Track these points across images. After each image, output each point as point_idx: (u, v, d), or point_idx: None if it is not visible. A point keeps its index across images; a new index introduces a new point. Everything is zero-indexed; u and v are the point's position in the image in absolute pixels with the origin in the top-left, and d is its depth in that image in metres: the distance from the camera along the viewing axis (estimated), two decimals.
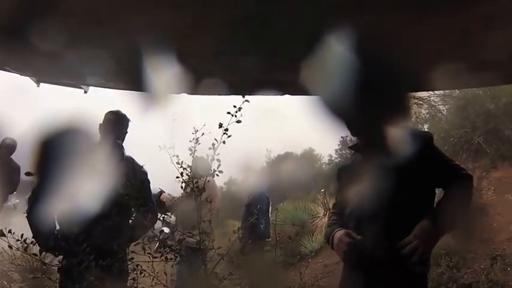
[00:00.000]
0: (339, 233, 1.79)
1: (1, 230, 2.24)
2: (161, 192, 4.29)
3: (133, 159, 2.67)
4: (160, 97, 2.26)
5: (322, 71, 1.71)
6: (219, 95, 2.69)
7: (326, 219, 1.96)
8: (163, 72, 2.03)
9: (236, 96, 2.69)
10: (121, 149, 2.59)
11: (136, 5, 1.65)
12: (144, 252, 2.52)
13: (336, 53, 1.66)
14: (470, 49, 2.03)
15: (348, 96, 1.64)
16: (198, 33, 1.91)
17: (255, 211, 4.30)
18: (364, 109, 1.65)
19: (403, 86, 1.84)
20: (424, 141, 1.78)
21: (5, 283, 4.93)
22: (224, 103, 2.69)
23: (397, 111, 1.74)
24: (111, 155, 2.39)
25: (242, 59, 2.01)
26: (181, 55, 1.96)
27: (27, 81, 2.77)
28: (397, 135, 1.73)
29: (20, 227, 2.33)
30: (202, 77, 2.35)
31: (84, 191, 2.19)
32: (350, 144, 2.06)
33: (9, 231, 2.25)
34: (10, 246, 2.36)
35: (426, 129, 7.81)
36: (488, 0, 1.59)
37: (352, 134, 1.98)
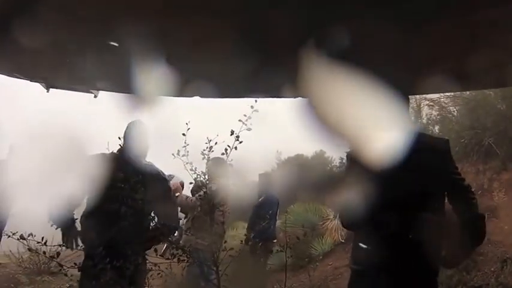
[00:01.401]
0: None
1: (21, 234, 2.33)
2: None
3: (152, 165, 2.75)
4: (151, 100, 2.33)
5: (316, 75, 1.76)
6: (216, 97, 2.74)
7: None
8: (158, 75, 2.09)
9: (236, 98, 2.76)
10: (137, 157, 2.66)
11: (127, 9, 1.69)
12: (156, 255, 2.59)
13: (335, 57, 1.71)
14: (480, 50, 2.05)
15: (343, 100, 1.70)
16: (191, 38, 1.96)
17: (265, 213, 4.30)
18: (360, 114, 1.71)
19: (399, 88, 1.86)
20: (444, 146, 1.94)
21: (12, 286, 5.05)
22: (229, 107, 2.73)
23: (394, 114, 1.80)
24: (127, 164, 2.49)
25: (235, 62, 2.04)
26: (174, 59, 2.01)
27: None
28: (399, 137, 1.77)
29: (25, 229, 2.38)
30: (201, 79, 2.41)
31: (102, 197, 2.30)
32: None
33: (30, 235, 2.29)
34: (30, 249, 2.44)
35: (437, 131, 7.78)
36: (499, 2, 1.64)
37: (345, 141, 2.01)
